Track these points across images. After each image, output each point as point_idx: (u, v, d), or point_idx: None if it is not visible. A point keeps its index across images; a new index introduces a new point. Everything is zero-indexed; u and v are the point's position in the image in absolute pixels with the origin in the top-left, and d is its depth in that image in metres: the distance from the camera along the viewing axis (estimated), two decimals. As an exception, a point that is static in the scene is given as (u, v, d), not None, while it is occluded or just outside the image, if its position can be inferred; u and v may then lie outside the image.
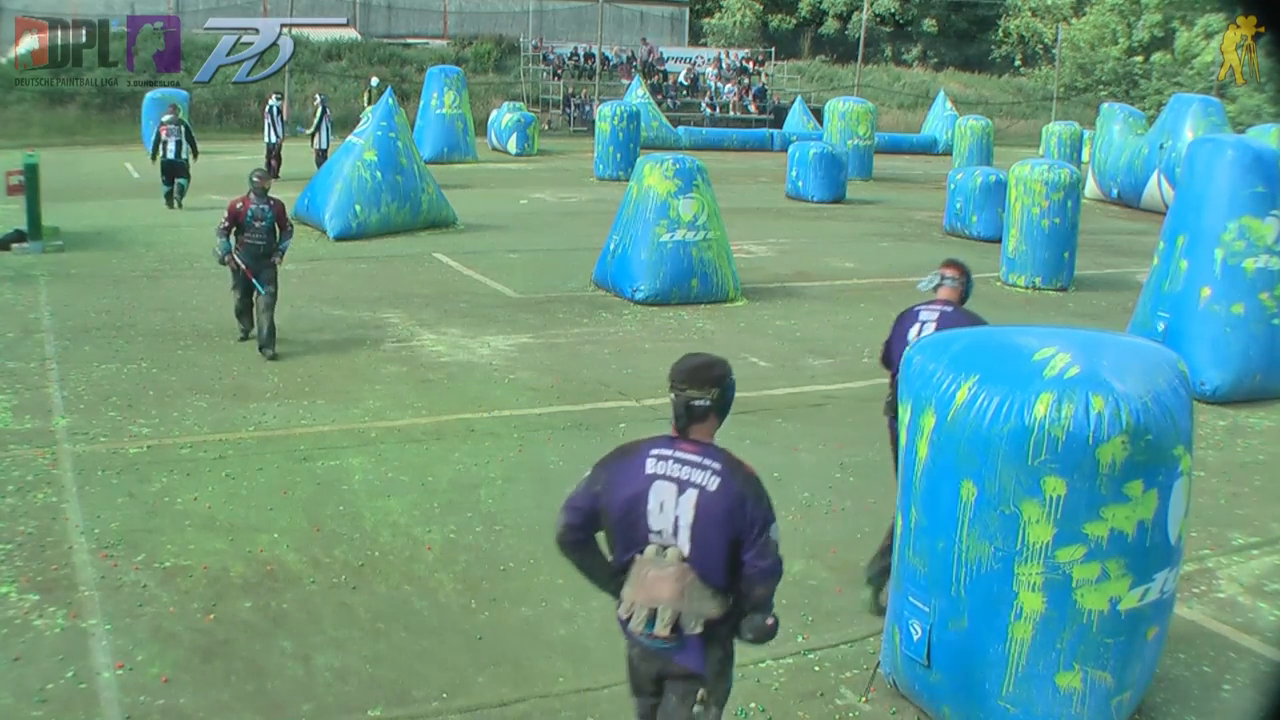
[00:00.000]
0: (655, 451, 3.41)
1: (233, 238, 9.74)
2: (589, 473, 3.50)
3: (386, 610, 5.41)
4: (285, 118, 21.92)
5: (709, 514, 3.32)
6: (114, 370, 9.10)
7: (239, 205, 9.69)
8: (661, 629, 3.36)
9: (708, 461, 3.37)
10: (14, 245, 13.84)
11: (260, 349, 9.58)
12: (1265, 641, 5.43)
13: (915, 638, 4.51)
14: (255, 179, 9.80)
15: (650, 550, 3.37)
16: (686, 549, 3.34)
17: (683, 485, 3.35)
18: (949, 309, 5.63)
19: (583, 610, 5.46)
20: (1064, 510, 4.09)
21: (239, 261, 9.67)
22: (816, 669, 5.00)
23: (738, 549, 3.35)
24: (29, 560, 5.76)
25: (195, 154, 18.16)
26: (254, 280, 9.65)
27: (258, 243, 9.72)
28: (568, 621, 5.37)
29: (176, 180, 17.73)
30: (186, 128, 17.94)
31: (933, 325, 5.56)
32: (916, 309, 5.75)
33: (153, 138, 18.13)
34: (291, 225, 10.16)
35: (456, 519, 6.47)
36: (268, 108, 21.79)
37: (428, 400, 8.67)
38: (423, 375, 9.33)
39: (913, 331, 5.65)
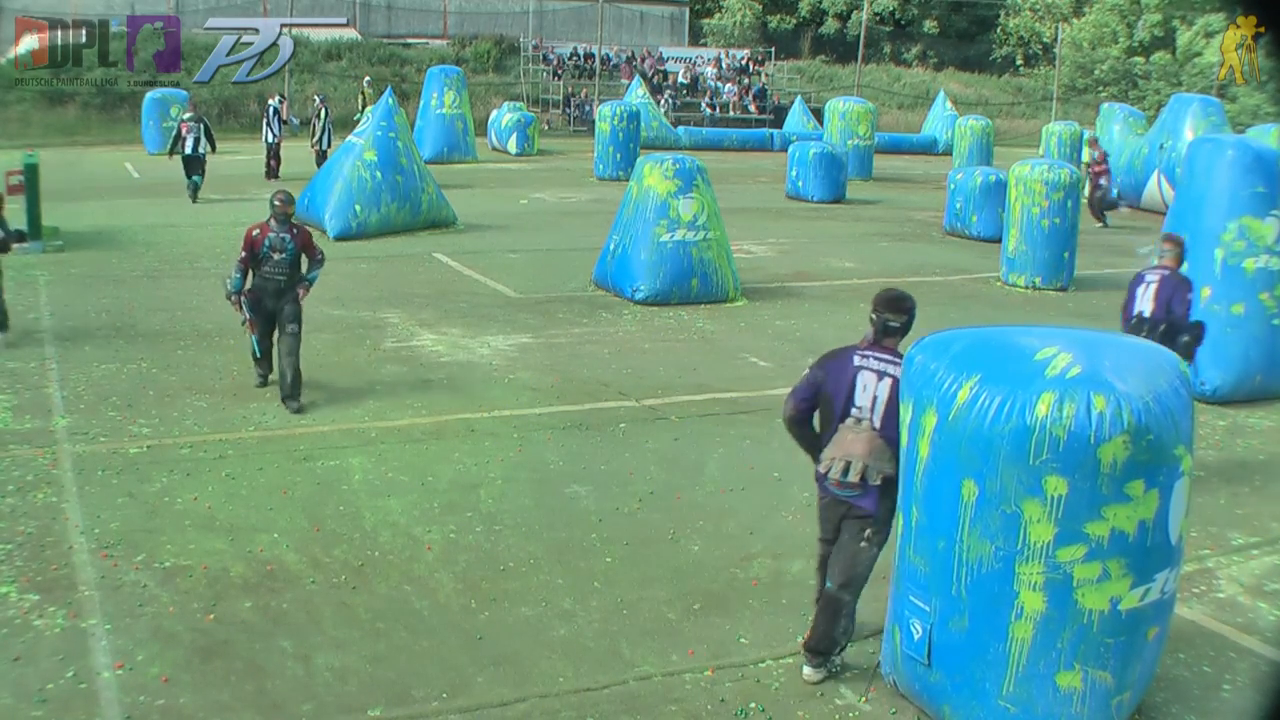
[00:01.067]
0: (859, 353, 4.82)
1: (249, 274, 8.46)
2: (809, 370, 4.92)
3: (386, 610, 5.41)
4: (285, 118, 21.98)
5: (897, 396, 4.62)
6: (114, 370, 9.10)
7: (255, 234, 8.34)
8: (853, 476, 4.65)
9: (898, 360, 4.72)
10: (14, 245, 13.81)
11: (283, 400, 8.29)
12: (1265, 641, 5.43)
13: (915, 637, 4.51)
14: (276, 203, 8.40)
15: (851, 420, 4.72)
16: (879, 421, 4.67)
17: (881, 375, 4.72)
18: (1167, 272, 6.80)
19: (583, 610, 5.47)
20: (1065, 510, 4.10)
21: (245, 311, 8.42)
22: (817, 669, 4.99)
23: None
24: (29, 560, 5.76)
25: (214, 149, 18.89)
26: (254, 337, 8.54)
27: (277, 278, 8.36)
28: (568, 621, 5.37)
29: (193, 176, 18.39)
30: (206, 125, 18.60)
31: (1155, 285, 6.77)
32: (1143, 273, 6.94)
33: (173, 134, 18.91)
34: (322, 254, 8.67)
35: (456, 519, 6.47)
36: (268, 107, 21.82)
37: (428, 400, 8.66)
38: (423, 375, 9.32)
39: (1139, 290, 6.83)
